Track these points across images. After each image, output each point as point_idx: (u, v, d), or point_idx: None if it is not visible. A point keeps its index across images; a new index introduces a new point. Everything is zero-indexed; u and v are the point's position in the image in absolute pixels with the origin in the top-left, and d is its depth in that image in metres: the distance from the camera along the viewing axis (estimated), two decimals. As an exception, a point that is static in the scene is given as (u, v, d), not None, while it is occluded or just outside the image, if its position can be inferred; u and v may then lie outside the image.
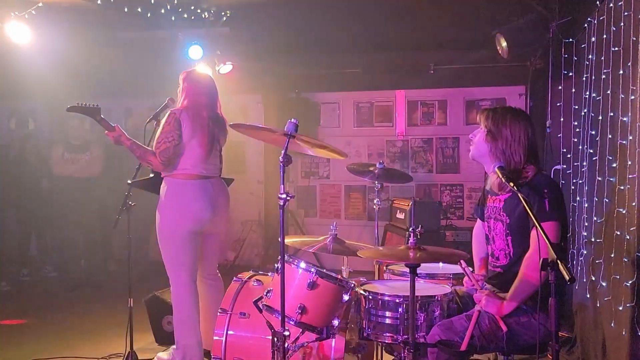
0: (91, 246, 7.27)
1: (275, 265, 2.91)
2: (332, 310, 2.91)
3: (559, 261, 2.08)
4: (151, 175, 4.11)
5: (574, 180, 4.52)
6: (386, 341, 2.82)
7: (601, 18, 3.86)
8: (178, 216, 3.82)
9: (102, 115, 3.88)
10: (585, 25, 4.25)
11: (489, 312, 2.66)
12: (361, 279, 3.22)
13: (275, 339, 2.79)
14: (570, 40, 4.67)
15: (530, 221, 2.65)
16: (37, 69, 6.45)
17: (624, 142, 3.32)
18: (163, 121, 3.84)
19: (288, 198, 2.75)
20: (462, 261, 2.84)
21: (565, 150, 4.76)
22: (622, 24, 3.39)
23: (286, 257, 2.85)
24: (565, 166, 4.77)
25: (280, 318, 2.75)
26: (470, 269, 3.00)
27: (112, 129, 3.83)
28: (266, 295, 2.96)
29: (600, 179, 3.81)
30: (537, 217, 2.36)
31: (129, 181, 4.03)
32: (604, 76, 3.78)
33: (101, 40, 6.28)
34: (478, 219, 3.22)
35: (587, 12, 4.22)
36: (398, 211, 6.09)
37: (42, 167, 7.15)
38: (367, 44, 6.89)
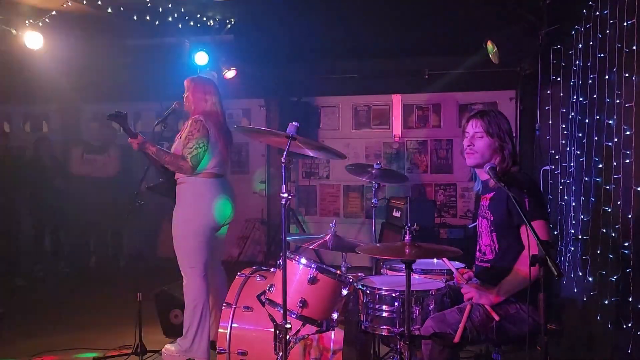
0: (102, 243, 7.27)
1: (278, 261, 2.91)
2: (332, 304, 2.91)
3: (547, 257, 2.08)
4: (160, 180, 4.11)
5: (562, 180, 4.52)
6: (383, 333, 2.82)
7: (588, 26, 3.86)
8: (203, 212, 3.85)
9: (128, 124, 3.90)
10: (573, 32, 4.25)
11: (481, 303, 2.66)
12: (359, 274, 3.22)
13: (278, 332, 2.80)
14: (559, 47, 4.67)
15: (514, 218, 2.66)
16: (50, 74, 6.45)
17: (610, 144, 3.32)
18: (189, 127, 3.82)
19: (289, 197, 2.75)
20: (444, 258, 2.90)
21: (553, 151, 4.77)
22: (607, 31, 3.40)
23: (288, 253, 2.86)
24: (553, 167, 4.77)
25: (282, 311, 2.75)
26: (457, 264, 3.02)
27: (135, 136, 3.84)
28: (269, 289, 2.96)
29: (587, 179, 3.82)
30: (519, 218, 2.35)
31: (147, 186, 4.03)
32: (590, 81, 3.79)
33: (111, 47, 6.28)
34: None
35: (574, 20, 4.22)
36: (394, 210, 6.09)
37: (55, 167, 7.15)
38: (365, 50, 6.89)
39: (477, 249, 2.93)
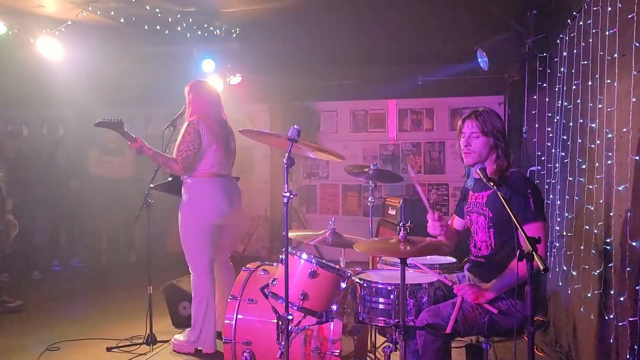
0: (115, 239, 7.26)
1: (280, 256, 2.91)
2: (331, 296, 2.91)
3: (533, 253, 2.06)
4: (169, 179, 4.11)
5: (548, 180, 4.52)
6: (379, 324, 2.82)
7: (572, 35, 3.86)
8: (202, 211, 3.84)
9: (125, 129, 3.90)
10: (558, 41, 4.25)
11: (474, 302, 2.63)
12: (357, 269, 3.21)
13: (280, 323, 2.79)
14: (544, 54, 4.67)
15: (517, 217, 2.61)
16: (66, 80, 6.44)
17: (592, 146, 3.32)
18: (183, 130, 3.83)
19: (291, 196, 2.75)
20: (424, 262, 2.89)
21: (540, 153, 4.76)
22: (590, 40, 3.39)
23: (290, 249, 2.85)
24: (539, 167, 4.77)
25: (284, 304, 2.75)
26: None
27: (135, 140, 3.84)
28: (272, 283, 2.96)
29: (571, 179, 3.82)
30: (522, 217, 2.29)
31: (151, 185, 4.04)
32: (574, 87, 3.78)
33: (124, 55, 6.28)
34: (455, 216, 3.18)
35: (559, 29, 4.22)
36: (390, 208, 6.08)
37: (71, 168, 7.15)
38: (362, 58, 6.89)
39: (473, 244, 2.88)
